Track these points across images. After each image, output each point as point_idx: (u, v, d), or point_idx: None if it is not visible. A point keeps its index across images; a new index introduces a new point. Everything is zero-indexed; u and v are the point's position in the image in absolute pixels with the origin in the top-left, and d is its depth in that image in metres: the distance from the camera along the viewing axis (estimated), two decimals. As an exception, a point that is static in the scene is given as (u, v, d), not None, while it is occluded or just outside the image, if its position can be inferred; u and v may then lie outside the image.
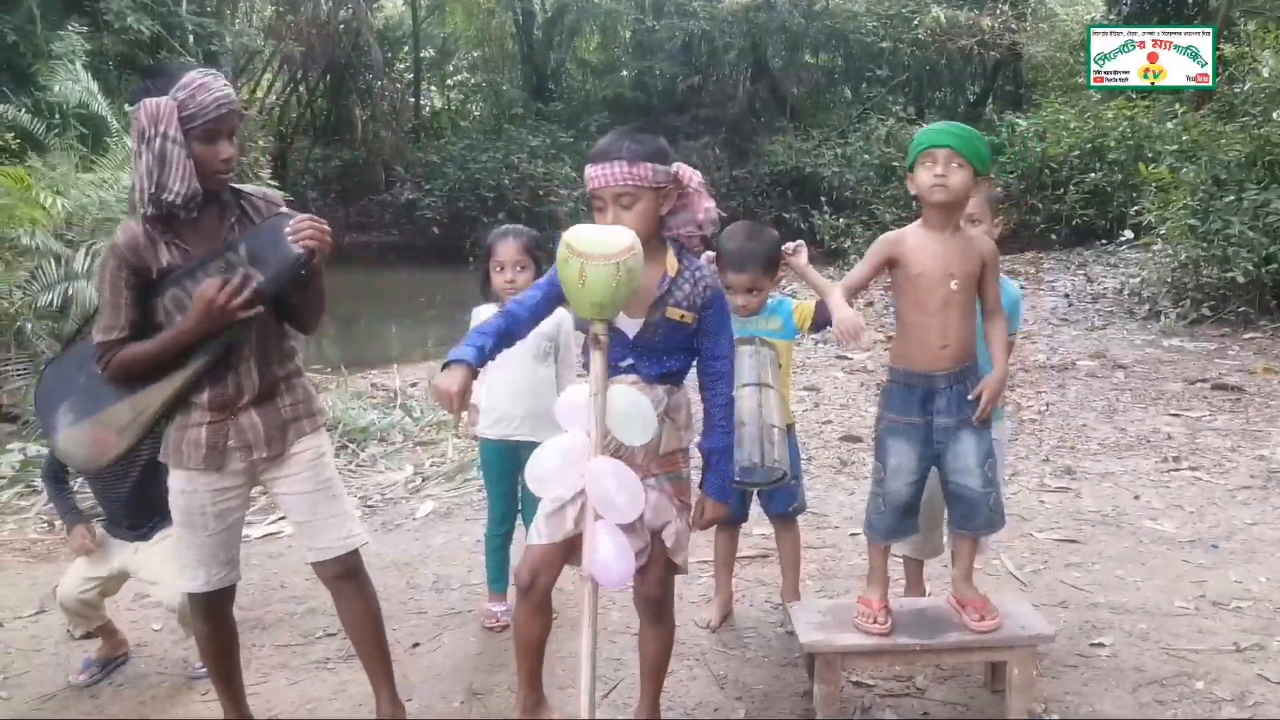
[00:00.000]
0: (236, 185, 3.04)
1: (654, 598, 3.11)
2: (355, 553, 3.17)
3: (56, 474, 3.96)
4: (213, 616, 3.20)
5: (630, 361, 3.01)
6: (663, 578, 3.10)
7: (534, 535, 3.07)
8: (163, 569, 3.72)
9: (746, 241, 3.88)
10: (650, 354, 3.01)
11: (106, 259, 2.92)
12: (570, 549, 3.01)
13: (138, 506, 3.81)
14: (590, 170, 2.90)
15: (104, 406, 3.00)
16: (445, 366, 2.82)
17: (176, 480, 3.06)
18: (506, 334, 2.95)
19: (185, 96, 2.79)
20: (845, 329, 3.21)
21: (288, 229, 2.90)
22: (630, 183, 2.86)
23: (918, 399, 3.29)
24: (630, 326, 2.98)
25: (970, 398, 3.26)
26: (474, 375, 2.84)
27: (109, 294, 2.91)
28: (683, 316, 2.96)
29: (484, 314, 4.19)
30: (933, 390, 3.28)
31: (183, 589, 3.19)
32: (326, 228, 2.94)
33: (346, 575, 3.16)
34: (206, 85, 2.81)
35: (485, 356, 2.87)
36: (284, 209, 3.04)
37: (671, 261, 2.97)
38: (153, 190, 2.79)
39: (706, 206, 3.03)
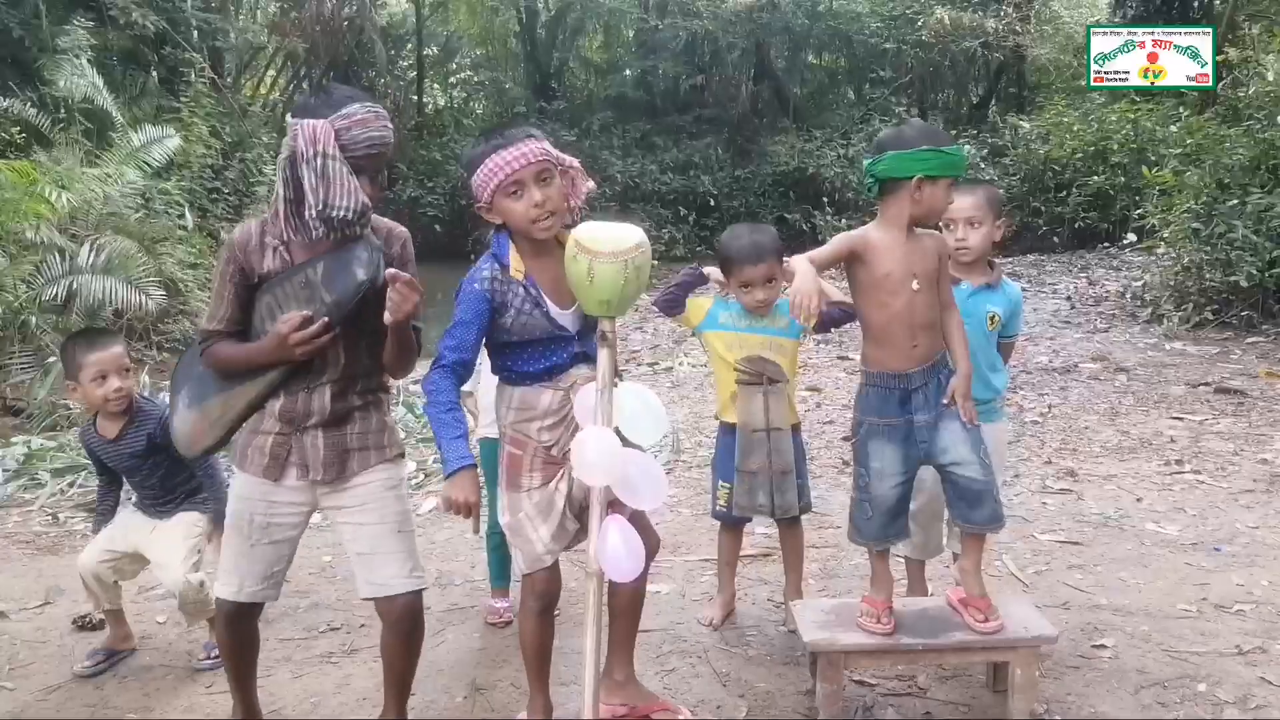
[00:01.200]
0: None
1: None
2: (418, 595, 3.11)
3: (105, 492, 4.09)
4: (234, 627, 3.17)
5: (580, 350, 3.07)
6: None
7: (544, 559, 3.13)
8: (171, 552, 3.79)
9: (753, 235, 3.91)
10: (591, 340, 3.02)
11: (222, 251, 2.98)
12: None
13: (163, 488, 3.91)
14: (504, 155, 2.90)
15: (207, 397, 3.04)
16: (449, 476, 2.91)
17: (237, 484, 3.08)
18: (461, 386, 3.06)
19: (342, 126, 2.77)
20: (801, 295, 3.04)
21: (389, 296, 2.78)
22: (547, 158, 2.93)
23: (895, 399, 3.28)
24: (570, 319, 3.05)
25: (945, 403, 3.26)
26: (477, 470, 2.96)
27: (217, 285, 2.99)
28: None
29: None
30: (909, 389, 3.27)
31: (215, 593, 3.17)
32: (415, 296, 2.81)
33: (404, 618, 3.09)
34: (365, 122, 2.80)
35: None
36: (371, 239, 2.95)
37: None
38: (320, 208, 2.77)
39: (589, 186, 3.10)
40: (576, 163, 3.08)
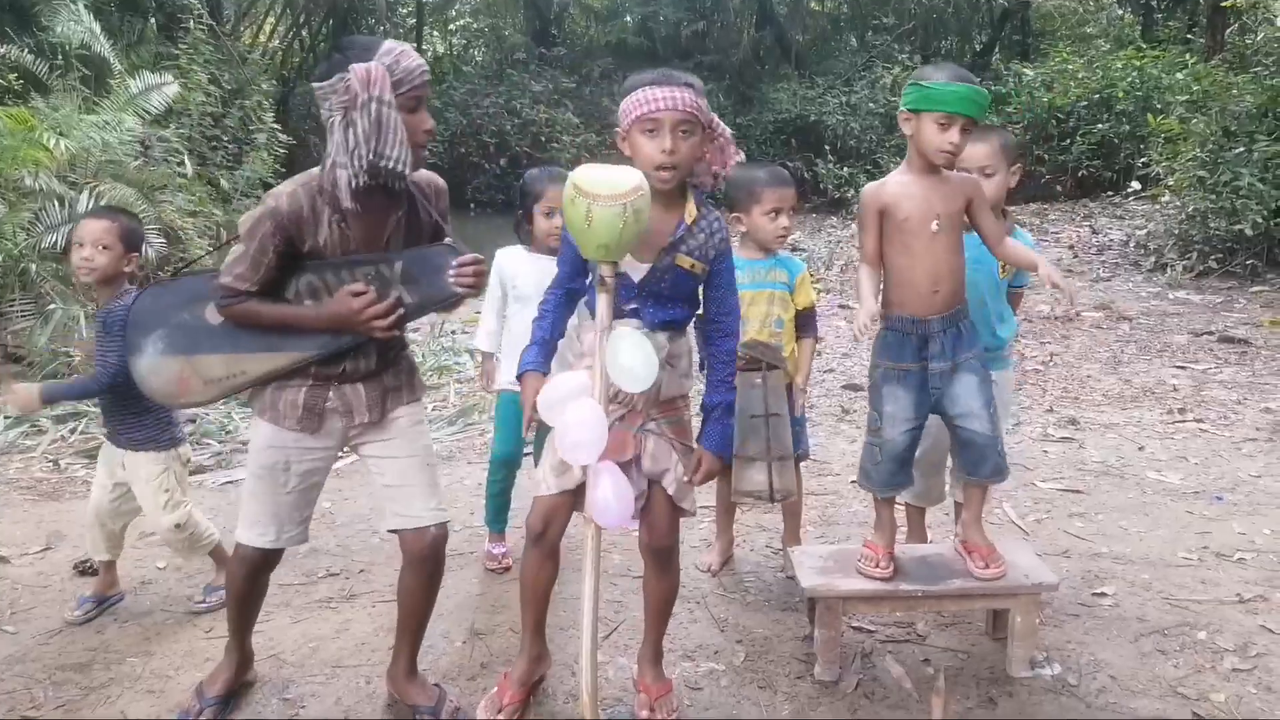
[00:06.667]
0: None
1: (662, 546, 3.09)
2: (445, 531, 3.12)
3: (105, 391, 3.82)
4: (255, 575, 3.15)
5: (634, 306, 2.95)
6: (670, 526, 3.07)
7: (542, 487, 3.07)
8: (145, 500, 3.80)
9: (769, 166, 3.95)
10: (655, 300, 2.95)
11: (262, 217, 2.80)
12: (577, 497, 3.00)
13: (139, 427, 3.80)
14: (652, 92, 2.79)
15: (199, 351, 2.99)
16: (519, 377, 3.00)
17: (263, 434, 3.01)
18: (572, 303, 3.08)
19: (391, 62, 2.69)
20: (860, 322, 3.17)
21: (451, 269, 2.87)
22: (693, 111, 2.81)
23: (913, 345, 3.26)
24: (637, 271, 2.92)
25: (1041, 272, 3.17)
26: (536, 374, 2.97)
27: (254, 250, 2.82)
28: (693, 265, 2.92)
29: (508, 258, 4.16)
30: (927, 335, 3.25)
31: (246, 541, 3.10)
32: (484, 272, 2.93)
33: (430, 553, 3.08)
34: (409, 53, 2.74)
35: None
36: (450, 240, 2.97)
37: (691, 209, 2.92)
38: (371, 157, 2.69)
39: (737, 158, 3.01)
40: (729, 132, 2.98)
